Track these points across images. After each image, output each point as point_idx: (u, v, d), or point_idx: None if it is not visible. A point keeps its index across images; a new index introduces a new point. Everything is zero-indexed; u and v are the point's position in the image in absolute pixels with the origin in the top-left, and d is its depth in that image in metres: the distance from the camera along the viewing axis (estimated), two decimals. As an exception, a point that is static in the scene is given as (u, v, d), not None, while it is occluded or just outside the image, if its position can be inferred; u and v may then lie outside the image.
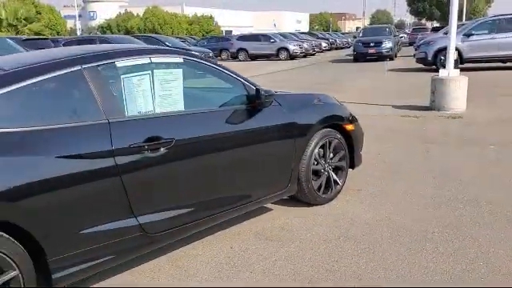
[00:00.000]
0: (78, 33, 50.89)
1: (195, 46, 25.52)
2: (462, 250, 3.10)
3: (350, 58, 25.86)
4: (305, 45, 29.19)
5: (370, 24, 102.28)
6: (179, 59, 3.15)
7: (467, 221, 3.58)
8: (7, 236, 2.23)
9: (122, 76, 2.82)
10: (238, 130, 3.25)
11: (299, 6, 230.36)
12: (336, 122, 4.01)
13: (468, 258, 3.00)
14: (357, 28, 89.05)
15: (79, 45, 15.50)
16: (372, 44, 21.91)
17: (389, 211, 3.83)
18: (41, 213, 2.32)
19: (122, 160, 2.60)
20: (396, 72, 16.63)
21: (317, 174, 3.89)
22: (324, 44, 35.30)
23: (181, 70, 3.11)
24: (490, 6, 48.05)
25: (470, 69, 13.62)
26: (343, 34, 58.29)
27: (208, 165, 3.09)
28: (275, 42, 27.84)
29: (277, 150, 3.55)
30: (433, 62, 15.59)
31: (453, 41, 8.21)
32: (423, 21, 61.82)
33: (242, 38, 29.47)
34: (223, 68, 3.42)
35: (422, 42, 18.55)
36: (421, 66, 16.20)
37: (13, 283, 2.26)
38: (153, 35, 22.96)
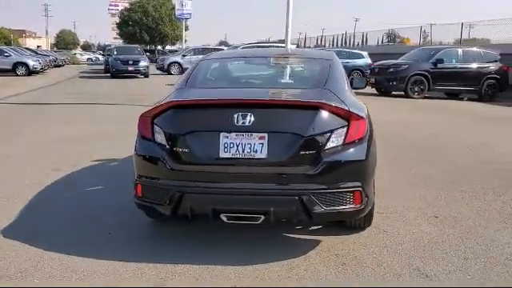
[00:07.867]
0: None
1: None
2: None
3: (99, 74, 27.16)
4: (41, 60, 28.10)
5: (56, 43, 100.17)
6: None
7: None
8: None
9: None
10: None
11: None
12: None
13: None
14: (38, 46, 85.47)
15: None
16: (131, 62, 23.75)
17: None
18: None
19: None
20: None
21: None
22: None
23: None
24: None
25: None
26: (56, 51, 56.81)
27: None
28: (10, 56, 25.92)
29: None
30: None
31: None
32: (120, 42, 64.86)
33: (-35, 51, 26.04)
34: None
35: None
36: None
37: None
38: None
